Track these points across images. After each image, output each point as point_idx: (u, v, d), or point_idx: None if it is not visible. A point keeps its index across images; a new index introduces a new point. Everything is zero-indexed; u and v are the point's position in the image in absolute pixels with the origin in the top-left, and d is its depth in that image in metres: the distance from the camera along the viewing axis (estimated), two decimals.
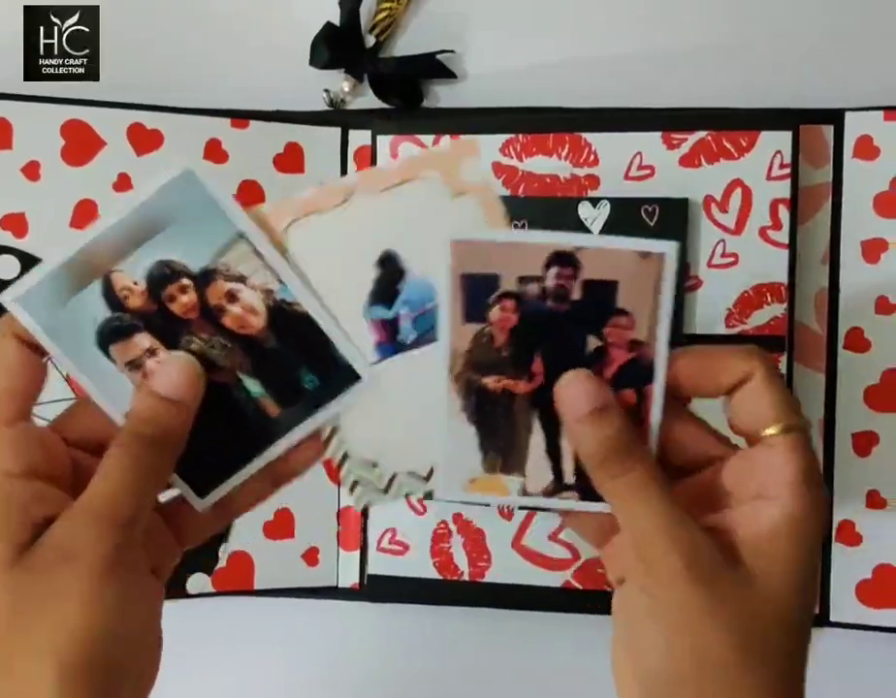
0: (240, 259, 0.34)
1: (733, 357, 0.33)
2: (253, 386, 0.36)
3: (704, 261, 0.55)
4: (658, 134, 0.55)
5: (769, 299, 0.54)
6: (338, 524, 0.59)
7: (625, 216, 0.54)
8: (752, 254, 0.54)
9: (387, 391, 0.36)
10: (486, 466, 0.35)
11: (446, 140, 0.56)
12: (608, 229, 0.54)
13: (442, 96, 0.60)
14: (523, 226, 0.55)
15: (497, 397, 0.35)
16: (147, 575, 0.34)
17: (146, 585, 0.34)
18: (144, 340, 0.35)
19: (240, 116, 0.58)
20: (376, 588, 0.58)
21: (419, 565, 0.57)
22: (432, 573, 0.57)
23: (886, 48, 0.57)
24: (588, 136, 0.56)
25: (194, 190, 0.34)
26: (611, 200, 0.55)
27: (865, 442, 0.55)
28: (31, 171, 0.56)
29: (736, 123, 0.55)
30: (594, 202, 0.55)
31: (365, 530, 0.58)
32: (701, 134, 0.55)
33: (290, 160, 0.59)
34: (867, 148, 0.55)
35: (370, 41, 0.59)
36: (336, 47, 0.59)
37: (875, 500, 0.55)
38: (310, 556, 0.59)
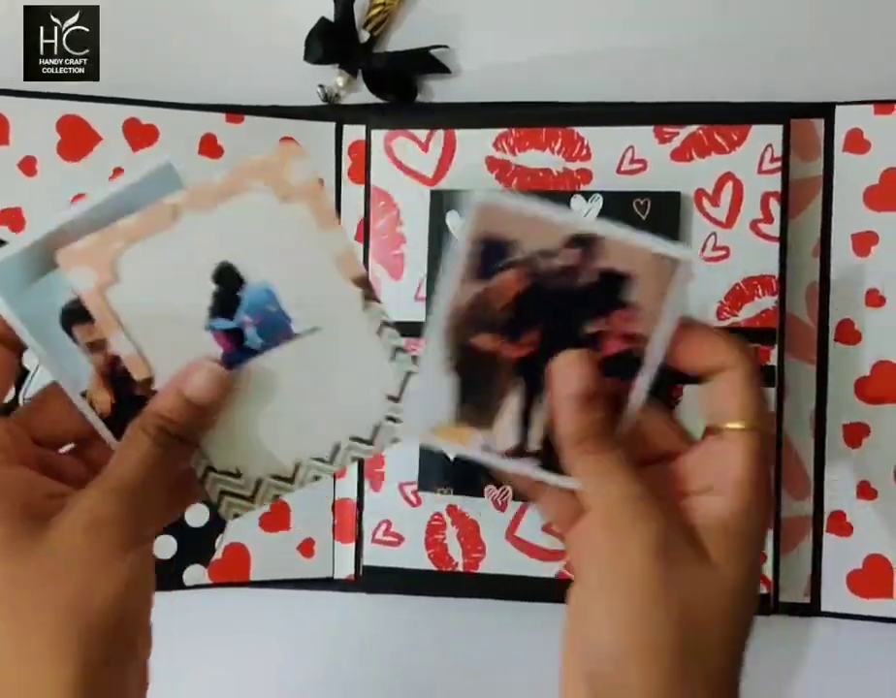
0: None
1: (720, 342, 0.34)
2: None
3: (696, 254, 0.55)
4: (650, 128, 0.55)
5: (760, 291, 0.55)
6: (334, 517, 0.60)
7: (618, 210, 0.55)
8: (743, 247, 0.55)
9: (242, 399, 0.36)
10: (456, 416, 0.36)
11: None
12: None
13: (436, 91, 0.60)
14: None
15: (485, 356, 0.35)
16: (152, 553, 0.36)
17: (151, 563, 0.36)
18: None
19: (235, 111, 0.59)
20: (371, 580, 0.58)
21: (414, 557, 0.58)
22: (427, 564, 0.58)
23: (877, 43, 0.57)
24: (580, 130, 0.56)
25: (170, 182, 0.34)
26: (603, 193, 0.55)
27: (856, 433, 0.55)
28: (27, 166, 0.56)
29: (727, 117, 0.55)
30: (587, 195, 0.55)
31: (360, 522, 0.59)
32: (693, 128, 0.55)
33: None
34: (857, 142, 0.55)
35: (365, 36, 0.60)
36: (331, 42, 0.59)
37: (866, 491, 0.55)
38: (306, 548, 0.59)
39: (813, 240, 0.56)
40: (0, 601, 0.32)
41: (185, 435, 0.35)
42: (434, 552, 0.58)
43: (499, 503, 0.57)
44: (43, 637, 0.32)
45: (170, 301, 0.35)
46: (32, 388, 0.54)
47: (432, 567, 0.58)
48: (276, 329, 0.35)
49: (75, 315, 0.35)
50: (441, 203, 0.57)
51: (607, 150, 0.56)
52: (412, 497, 0.58)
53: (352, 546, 0.59)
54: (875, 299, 0.55)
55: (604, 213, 0.55)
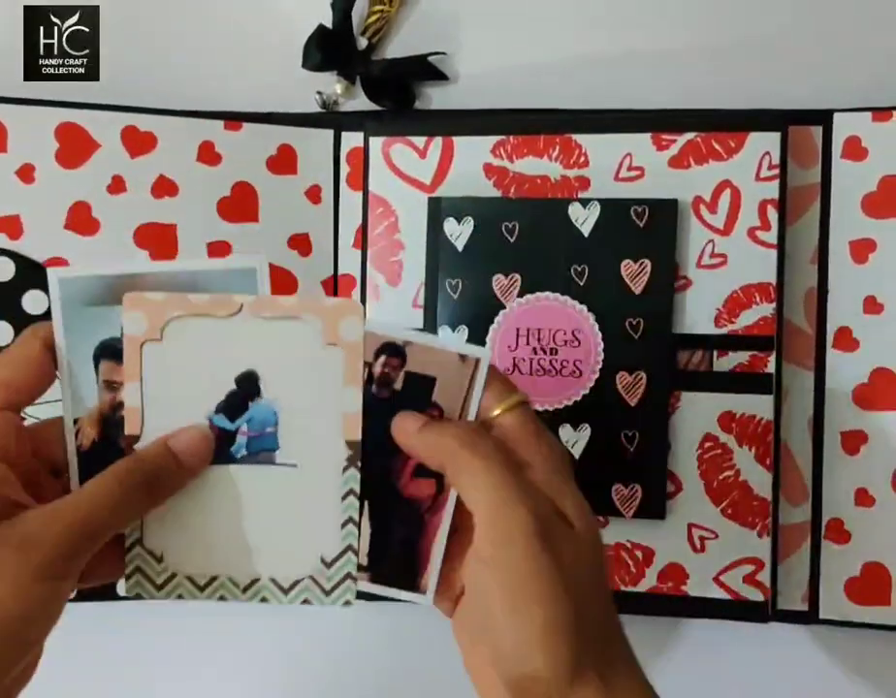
0: None
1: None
2: None
3: (693, 261, 0.55)
4: (648, 135, 0.55)
5: (758, 298, 0.55)
6: None
7: (615, 217, 0.55)
8: (740, 254, 0.55)
9: (196, 494, 0.37)
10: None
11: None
12: (598, 229, 0.55)
13: (434, 98, 0.60)
14: (513, 227, 0.56)
15: None
16: (69, 594, 0.35)
17: (64, 602, 0.35)
18: None
19: (234, 118, 0.59)
20: None
21: None
22: None
23: (874, 50, 0.57)
24: (578, 137, 0.56)
25: (249, 284, 0.37)
26: (601, 201, 0.55)
27: (854, 441, 0.55)
28: (26, 173, 0.56)
29: (725, 124, 0.55)
30: (585, 203, 0.55)
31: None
32: (690, 135, 0.55)
33: (283, 162, 0.59)
34: (855, 149, 0.55)
35: (363, 43, 0.60)
36: (329, 49, 0.59)
37: (863, 498, 0.55)
38: None
39: (811, 248, 0.56)
40: None
41: (156, 484, 0.36)
42: None
43: None
44: None
45: (191, 378, 0.37)
46: None
47: None
48: (263, 449, 0.37)
49: (109, 351, 0.37)
50: (439, 209, 0.57)
51: (605, 157, 0.56)
52: None
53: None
54: (873, 306, 0.55)
55: (601, 221, 0.55)
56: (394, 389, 0.37)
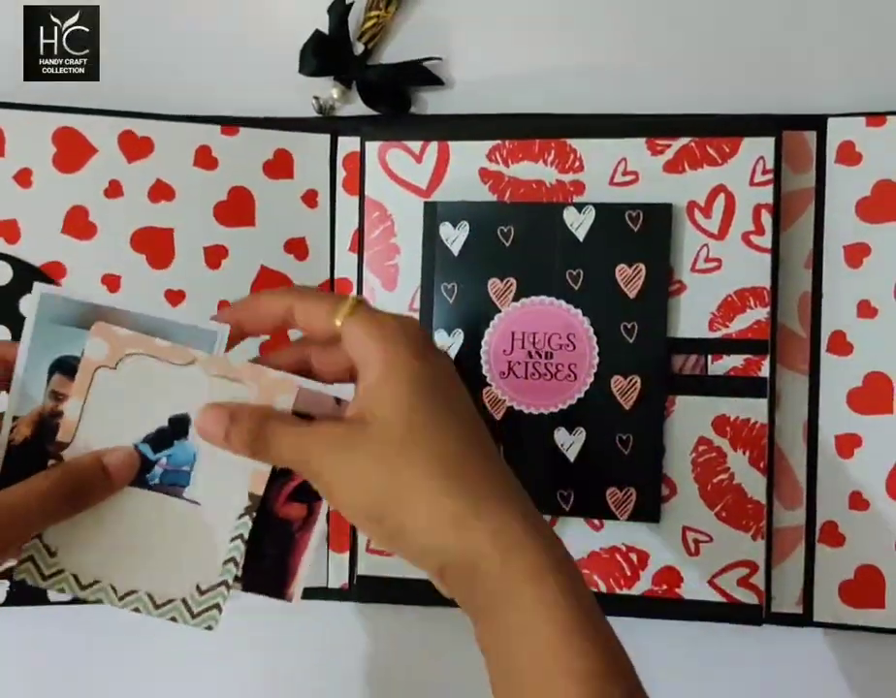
0: None
1: (269, 301, 0.40)
2: None
3: (688, 266, 0.55)
4: (643, 140, 0.56)
5: (752, 303, 0.55)
6: (328, 526, 0.60)
7: (610, 221, 0.55)
8: (735, 259, 0.55)
9: (102, 507, 0.40)
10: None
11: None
12: (593, 234, 0.55)
13: (430, 103, 0.60)
14: (509, 232, 0.56)
15: None
16: None
17: None
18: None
19: (230, 123, 0.59)
20: (365, 589, 0.58)
21: (407, 566, 0.57)
22: (420, 574, 0.58)
23: (868, 55, 0.58)
24: (573, 142, 0.56)
25: (208, 343, 0.39)
26: (596, 205, 0.55)
27: (848, 444, 0.55)
28: (23, 178, 0.57)
29: (720, 129, 0.55)
30: (580, 207, 0.55)
31: (354, 532, 0.59)
32: (685, 140, 0.55)
33: (280, 166, 0.59)
34: (849, 154, 0.55)
35: (359, 48, 0.60)
36: (325, 54, 0.59)
37: (858, 502, 0.55)
38: None
39: (805, 252, 0.56)
40: None
41: (83, 494, 0.39)
42: None
43: None
44: None
45: (130, 407, 0.40)
46: None
47: (426, 577, 0.58)
48: (175, 483, 0.41)
49: (65, 366, 0.40)
50: (435, 214, 0.57)
51: (600, 162, 0.56)
52: None
53: (346, 555, 0.60)
54: (867, 310, 0.55)
55: (596, 225, 0.55)
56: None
